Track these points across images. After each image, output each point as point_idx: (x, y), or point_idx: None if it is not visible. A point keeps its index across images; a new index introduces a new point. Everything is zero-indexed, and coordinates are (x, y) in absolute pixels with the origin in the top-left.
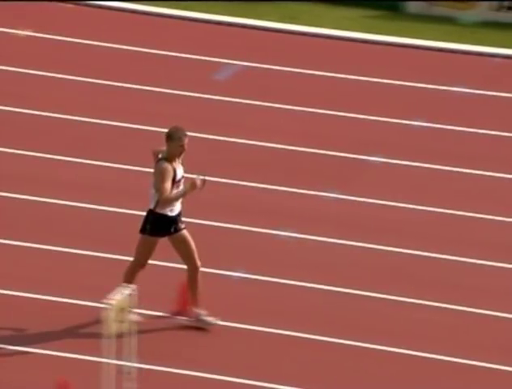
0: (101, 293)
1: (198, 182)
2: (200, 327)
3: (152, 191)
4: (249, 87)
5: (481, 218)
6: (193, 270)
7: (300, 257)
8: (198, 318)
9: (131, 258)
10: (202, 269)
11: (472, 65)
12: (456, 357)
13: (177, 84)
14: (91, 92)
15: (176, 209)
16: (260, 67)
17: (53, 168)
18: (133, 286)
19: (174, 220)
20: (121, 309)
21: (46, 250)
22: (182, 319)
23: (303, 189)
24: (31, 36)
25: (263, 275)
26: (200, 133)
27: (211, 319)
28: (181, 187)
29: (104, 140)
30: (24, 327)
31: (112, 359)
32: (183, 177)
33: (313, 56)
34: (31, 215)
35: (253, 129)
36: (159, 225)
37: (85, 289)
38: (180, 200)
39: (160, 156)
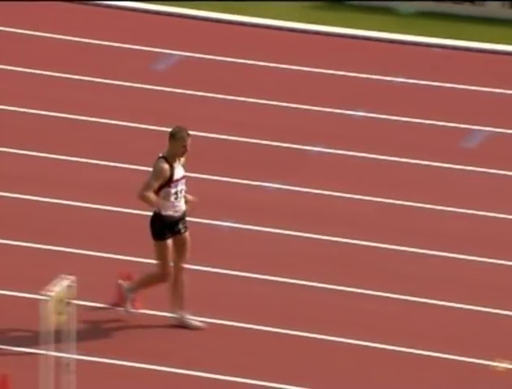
0: (40, 285)
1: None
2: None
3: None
4: (188, 78)
5: (425, 208)
6: (177, 270)
7: (242, 248)
8: (182, 320)
9: (70, 250)
10: (143, 260)
11: (413, 55)
12: (404, 347)
13: (115, 74)
14: (30, 83)
15: (180, 210)
16: (200, 57)
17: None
18: (72, 277)
19: (181, 220)
20: (61, 301)
21: None
22: (122, 310)
23: (244, 179)
24: None
25: (204, 266)
26: (140, 123)
27: (195, 323)
28: (180, 187)
29: (44, 131)
30: None
31: (51, 351)
32: (184, 177)
33: (254, 46)
34: None
35: (194, 119)
36: (167, 226)
37: (24, 281)
38: (183, 200)
39: (160, 154)
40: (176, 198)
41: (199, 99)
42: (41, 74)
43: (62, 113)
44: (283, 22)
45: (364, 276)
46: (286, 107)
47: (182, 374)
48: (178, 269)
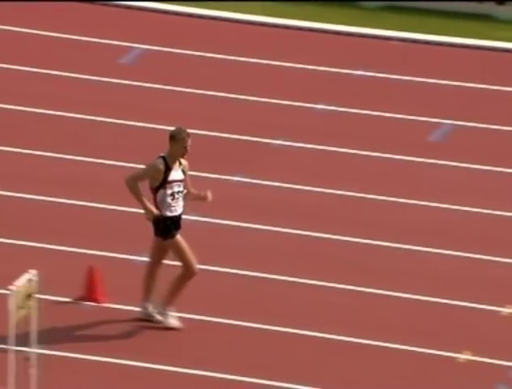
0: (5, 280)
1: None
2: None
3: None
4: (154, 71)
5: (389, 201)
6: (157, 264)
7: (207, 240)
8: (147, 313)
9: (35, 244)
10: (108, 254)
11: (374, 48)
12: (367, 340)
13: (82, 68)
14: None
15: (179, 209)
16: (166, 51)
17: None
18: (33, 271)
19: (180, 218)
20: (26, 296)
21: None
22: (89, 305)
23: (208, 172)
24: None
25: (169, 260)
26: (106, 117)
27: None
28: (177, 189)
29: (8, 126)
30: None
31: (13, 345)
32: (182, 180)
33: (218, 40)
34: None
35: (159, 113)
36: (171, 225)
37: None
38: (181, 201)
39: (161, 154)
40: (172, 200)
41: (163, 92)
42: (6, 68)
43: (28, 107)
44: (243, 15)
45: (327, 269)
46: (247, 100)
47: (146, 368)
48: (158, 263)
